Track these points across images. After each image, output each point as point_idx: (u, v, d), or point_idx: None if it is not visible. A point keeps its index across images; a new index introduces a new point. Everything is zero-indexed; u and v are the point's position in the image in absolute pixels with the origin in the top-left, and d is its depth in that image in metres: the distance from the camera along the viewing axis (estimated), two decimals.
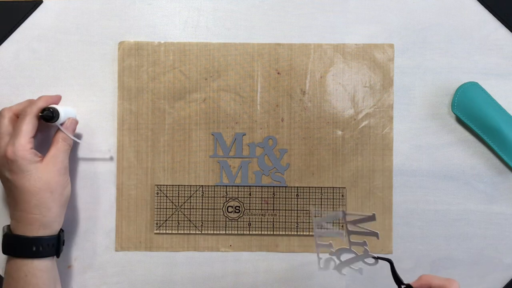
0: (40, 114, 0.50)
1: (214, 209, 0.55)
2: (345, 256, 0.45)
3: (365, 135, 0.55)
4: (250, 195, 0.55)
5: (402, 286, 0.44)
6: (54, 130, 0.55)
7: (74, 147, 0.55)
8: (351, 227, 0.44)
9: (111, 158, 0.55)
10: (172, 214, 0.55)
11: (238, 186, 0.55)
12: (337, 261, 0.45)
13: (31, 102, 0.51)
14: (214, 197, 0.55)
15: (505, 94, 0.55)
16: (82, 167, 0.55)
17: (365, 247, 0.44)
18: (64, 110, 0.52)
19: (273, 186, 0.55)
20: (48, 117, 0.50)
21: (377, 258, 0.44)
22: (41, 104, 0.50)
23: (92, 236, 0.55)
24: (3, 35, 0.56)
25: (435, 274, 0.54)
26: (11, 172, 0.47)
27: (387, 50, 0.55)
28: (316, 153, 0.55)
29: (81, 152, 0.55)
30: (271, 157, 0.54)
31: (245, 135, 0.55)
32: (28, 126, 0.48)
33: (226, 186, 0.55)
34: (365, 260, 0.44)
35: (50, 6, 0.56)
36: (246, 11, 0.56)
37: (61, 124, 0.52)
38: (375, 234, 0.43)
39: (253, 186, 0.55)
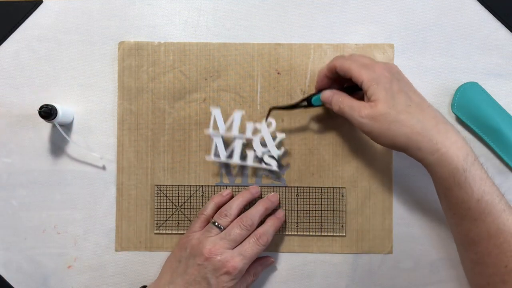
0: (38, 110, 0.49)
1: None
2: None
3: (365, 135, 0.55)
4: None
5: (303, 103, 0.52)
6: (51, 130, 0.55)
7: (73, 147, 0.55)
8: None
9: (104, 167, 0.55)
10: (172, 214, 0.55)
11: (238, 186, 0.55)
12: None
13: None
14: None
15: (505, 94, 0.55)
16: (82, 167, 0.55)
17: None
18: (62, 109, 0.52)
19: (273, 186, 0.55)
20: (46, 114, 0.50)
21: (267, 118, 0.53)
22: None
23: (92, 236, 0.55)
24: (3, 35, 0.56)
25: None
26: (217, 280, 0.47)
27: (387, 50, 0.55)
28: (316, 153, 0.55)
29: (81, 152, 0.55)
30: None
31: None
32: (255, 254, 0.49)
33: (226, 186, 0.55)
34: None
35: (50, 6, 0.56)
36: (246, 11, 0.56)
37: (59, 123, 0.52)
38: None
39: (253, 186, 0.55)
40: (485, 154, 0.55)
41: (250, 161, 0.53)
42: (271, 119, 0.53)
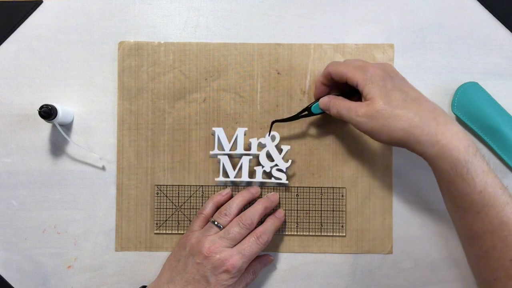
0: (38, 110, 0.49)
1: None
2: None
3: (365, 135, 0.55)
4: None
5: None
6: (51, 130, 0.55)
7: (73, 147, 0.55)
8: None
9: (103, 168, 0.55)
10: (172, 214, 0.55)
11: (238, 186, 0.55)
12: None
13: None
14: None
15: (505, 94, 0.55)
16: (82, 167, 0.55)
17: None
18: (62, 109, 0.52)
19: (273, 186, 0.55)
20: (46, 114, 0.50)
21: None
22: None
23: (92, 236, 0.55)
24: (3, 35, 0.56)
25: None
26: (216, 278, 0.47)
27: (387, 50, 0.55)
28: (316, 153, 0.55)
29: (81, 152, 0.55)
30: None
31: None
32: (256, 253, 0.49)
33: (226, 185, 0.55)
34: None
35: (50, 6, 0.56)
36: (246, 11, 0.56)
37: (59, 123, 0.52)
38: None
39: (253, 186, 0.55)
40: (485, 154, 0.55)
41: (259, 177, 0.53)
42: (274, 133, 0.53)
